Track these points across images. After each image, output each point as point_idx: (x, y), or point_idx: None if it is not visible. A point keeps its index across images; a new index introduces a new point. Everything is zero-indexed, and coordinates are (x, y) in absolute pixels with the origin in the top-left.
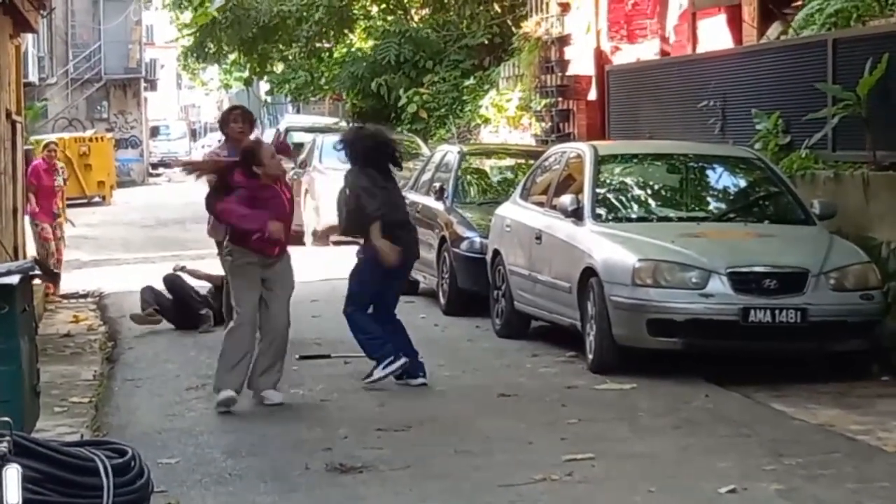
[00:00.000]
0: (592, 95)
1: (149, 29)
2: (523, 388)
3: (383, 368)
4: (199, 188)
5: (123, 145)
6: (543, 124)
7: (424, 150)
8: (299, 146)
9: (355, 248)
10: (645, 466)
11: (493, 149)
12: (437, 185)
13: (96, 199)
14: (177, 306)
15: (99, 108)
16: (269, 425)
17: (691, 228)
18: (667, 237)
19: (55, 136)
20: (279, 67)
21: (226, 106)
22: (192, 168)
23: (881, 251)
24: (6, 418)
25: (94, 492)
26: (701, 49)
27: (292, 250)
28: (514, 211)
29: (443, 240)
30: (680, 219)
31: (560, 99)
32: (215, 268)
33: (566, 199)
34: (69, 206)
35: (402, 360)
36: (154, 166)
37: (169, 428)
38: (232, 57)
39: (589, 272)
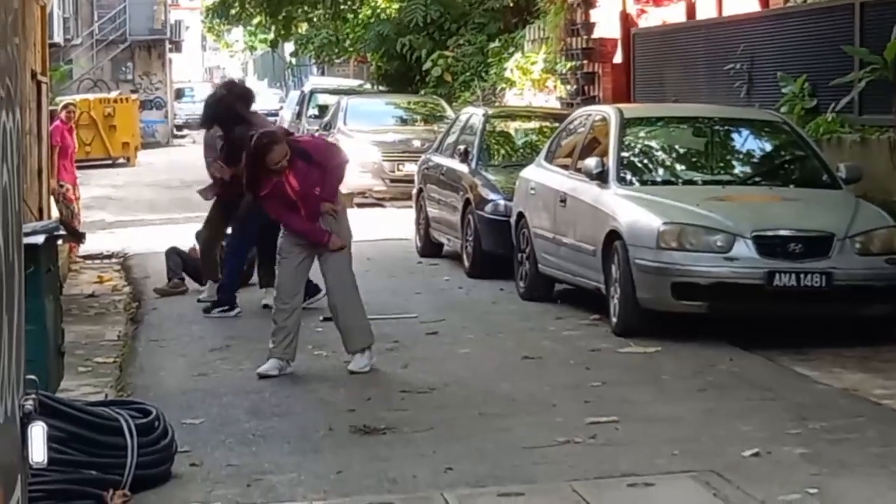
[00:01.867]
0: (618, 58)
1: None
2: (547, 351)
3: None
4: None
5: (148, 107)
6: (568, 87)
7: (449, 112)
8: (324, 108)
9: (377, 209)
10: (668, 429)
11: (518, 111)
12: (462, 147)
13: (121, 160)
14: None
15: (124, 69)
16: (293, 386)
17: (716, 192)
18: (692, 200)
19: (80, 97)
20: (303, 28)
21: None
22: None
23: None
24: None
25: (119, 451)
26: (727, 12)
27: None
28: (539, 174)
29: (467, 202)
30: (705, 182)
31: (585, 62)
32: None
33: (591, 162)
34: (95, 167)
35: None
36: (178, 128)
37: (193, 388)
38: (256, 20)
39: (613, 235)
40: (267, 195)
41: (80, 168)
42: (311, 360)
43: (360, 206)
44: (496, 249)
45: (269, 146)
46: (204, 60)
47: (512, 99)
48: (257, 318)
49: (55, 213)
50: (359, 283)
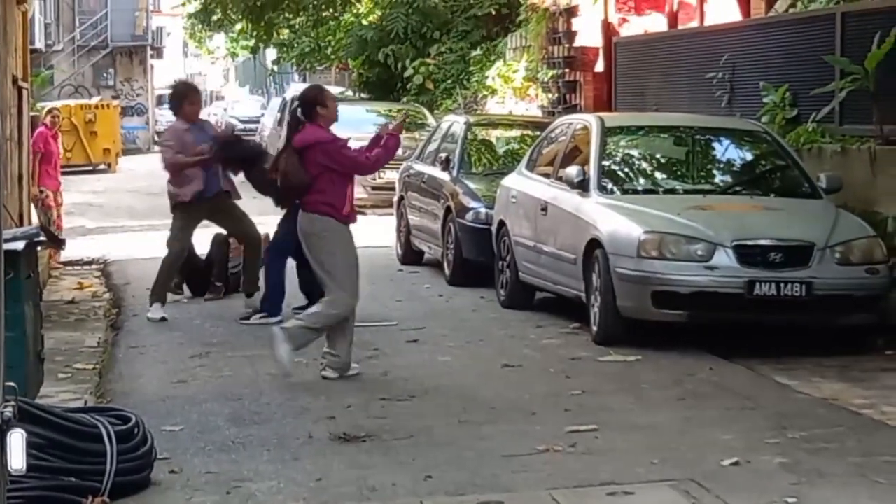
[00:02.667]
0: (599, 67)
1: None
2: (527, 359)
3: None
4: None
5: (129, 113)
6: (550, 95)
7: (431, 120)
8: None
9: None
10: (648, 438)
11: (499, 119)
12: (443, 155)
13: (102, 166)
14: (201, 269)
15: (105, 75)
16: (272, 394)
17: (697, 201)
18: (673, 209)
19: (61, 102)
20: (285, 34)
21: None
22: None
23: (887, 225)
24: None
25: (98, 458)
26: (709, 22)
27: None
28: (520, 182)
29: (448, 210)
30: (686, 191)
31: (567, 70)
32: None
33: (572, 171)
34: (75, 173)
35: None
36: (160, 134)
37: (173, 395)
38: (238, 26)
39: (594, 244)
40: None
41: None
42: (291, 367)
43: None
44: (477, 257)
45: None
46: (185, 67)
47: (493, 107)
48: (236, 325)
49: (35, 220)
50: None
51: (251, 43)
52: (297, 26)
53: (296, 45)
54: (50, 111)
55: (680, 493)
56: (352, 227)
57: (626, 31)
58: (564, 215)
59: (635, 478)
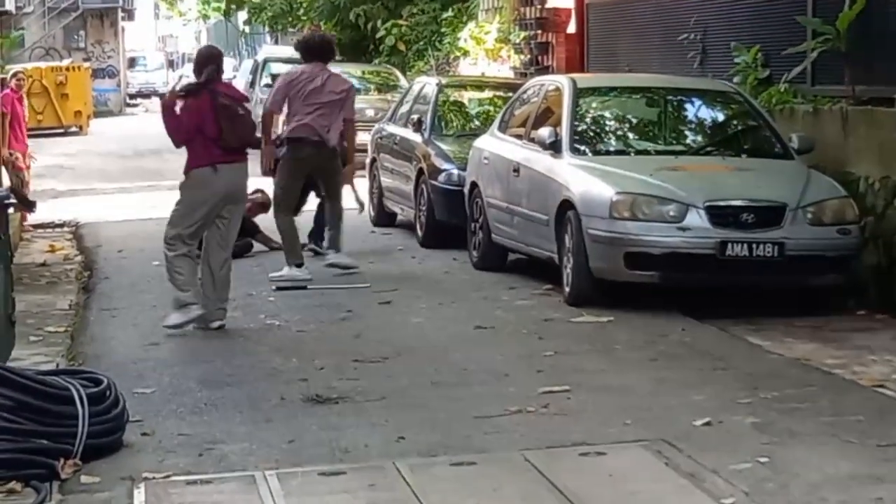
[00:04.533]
0: (572, 28)
1: None
2: (500, 321)
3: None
4: None
5: (100, 75)
6: (522, 57)
7: (403, 82)
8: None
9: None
10: (620, 399)
11: (471, 81)
12: (415, 117)
13: (73, 129)
14: None
15: (76, 37)
16: (245, 356)
17: (669, 162)
18: (645, 171)
19: (31, 65)
20: None
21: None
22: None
23: (859, 186)
24: None
25: (70, 420)
26: None
27: (265, 180)
28: (492, 143)
29: (420, 172)
30: (658, 152)
31: (539, 32)
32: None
33: (544, 132)
34: (47, 135)
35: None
36: (132, 97)
37: (145, 358)
38: None
39: (566, 205)
40: None
41: (31, 137)
42: (263, 329)
43: None
44: (449, 219)
45: None
46: (157, 29)
47: (466, 68)
48: None
49: (6, 182)
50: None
51: (223, 4)
52: None
53: (268, 7)
54: (15, 74)
55: (652, 453)
56: None
57: None
58: (537, 177)
59: (607, 438)
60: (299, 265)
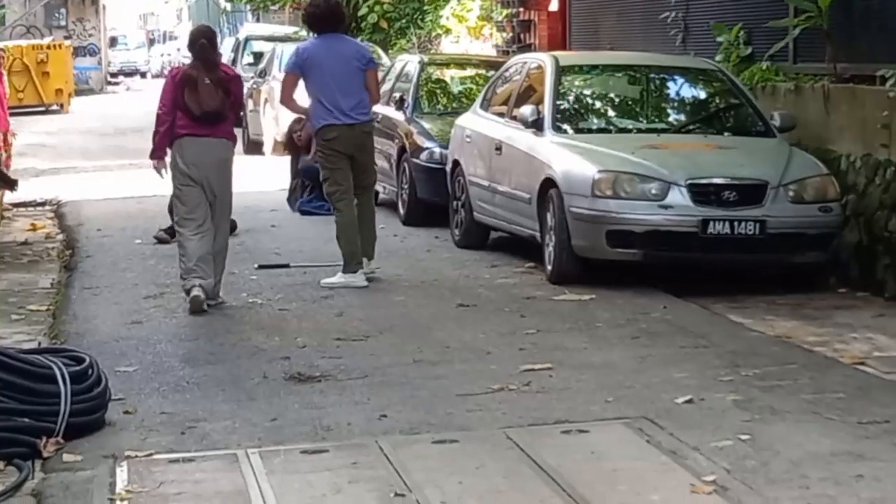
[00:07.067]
0: (554, 6)
1: None
2: (482, 299)
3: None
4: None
5: (82, 53)
6: (504, 35)
7: (385, 60)
8: (259, 55)
9: None
10: (602, 376)
11: (453, 59)
12: (397, 95)
13: (54, 107)
14: None
15: (57, 15)
16: (227, 334)
17: (651, 140)
18: (627, 148)
19: (12, 43)
20: None
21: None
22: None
23: (840, 164)
24: None
25: (52, 399)
26: None
27: (252, 160)
28: (475, 121)
29: (402, 150)
30: (640, 130)
31: (521, 9)
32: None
33: (526, 110)
34: (28, 113)
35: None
36: (113, 75)
37: (127, 336)
38: None
39: (549, 183)
40: None
41: (13, 115)
42: (245, 307)
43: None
44: (431, 197)
45: None
46: (138, 7)
47: (448, 46)
48: None
49: None
50: (297, 231)
51: None
52: None
53: None
54: None
55: (634, 430)
56: None
57: None
58: (519, 155)
59: (589, 416)
60: (355, 271)
